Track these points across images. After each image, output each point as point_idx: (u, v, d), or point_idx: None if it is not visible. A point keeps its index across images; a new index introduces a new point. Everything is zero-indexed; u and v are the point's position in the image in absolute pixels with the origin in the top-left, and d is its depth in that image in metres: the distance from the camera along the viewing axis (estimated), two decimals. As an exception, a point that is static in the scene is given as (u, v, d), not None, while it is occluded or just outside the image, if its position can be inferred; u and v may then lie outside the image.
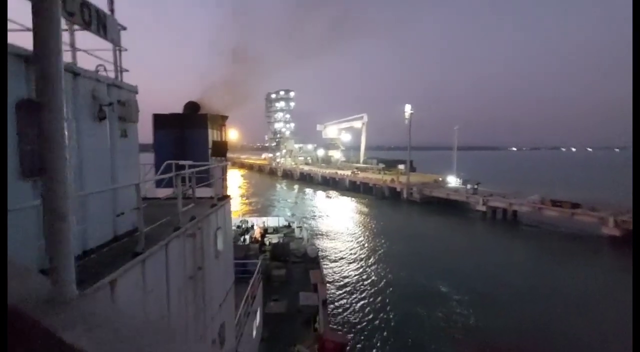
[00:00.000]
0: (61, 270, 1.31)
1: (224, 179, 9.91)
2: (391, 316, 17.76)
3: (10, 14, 3.60)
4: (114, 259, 3.90)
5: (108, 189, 4.25)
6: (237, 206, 49.50)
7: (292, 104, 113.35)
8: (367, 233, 35.33)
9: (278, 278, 17.29)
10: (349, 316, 17.86)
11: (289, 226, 28.52)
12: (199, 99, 16.01)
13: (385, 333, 16.17)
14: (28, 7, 1.30)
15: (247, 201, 56.80)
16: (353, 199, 57.48)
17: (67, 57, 4.66)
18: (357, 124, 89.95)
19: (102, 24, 5.25)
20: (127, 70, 5.86)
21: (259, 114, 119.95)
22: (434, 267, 24.63)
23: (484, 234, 36.65)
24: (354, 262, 26.32)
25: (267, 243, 23.13)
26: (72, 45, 4.72)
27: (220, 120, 13.62)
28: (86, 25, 4.84)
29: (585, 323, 17.04)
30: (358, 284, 22.05)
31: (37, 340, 1.28)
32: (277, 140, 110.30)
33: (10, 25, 3.53)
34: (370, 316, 17.78)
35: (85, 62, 4.85)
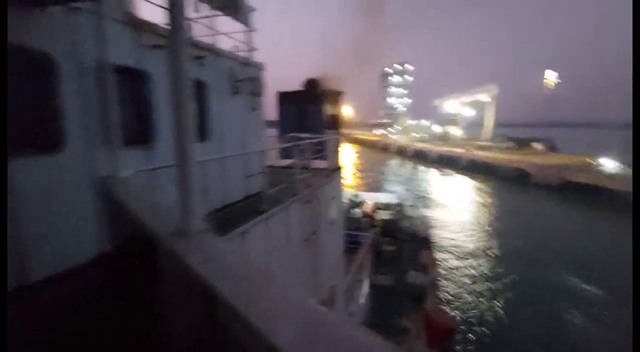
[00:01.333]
0: (187, 209, 1.52)
1: (337, 151, 10.23)
2: (501, 314, 15.69)
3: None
4: (245, 214, 4.51)
5: (242, 154, 4.90)
6: (349, 180, 50.86)
7: (409, 78, 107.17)
8: (483, 219, 30.95)
9: (388, 253, 17.31)
10: (456, 303, 16.60)
11: (400, 204, 27.88)
12: (319, 75, 16.68)
13: (492, 329, 14.51)
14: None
15: (359, 175, 57.76)
16: (471, 179, 50.81)
17: (209, 40, 5.42)
18: (484, 98, 77.00)
19: (235, 7, 5.86)
20: (256, 49, 6.46)
21: (374, 90, 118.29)
22: (568, 268, 20.21)
23: None
24: (466, 248, 23.74)
25: (378, 219, 23.24)
26: (213, 28, 5.41)
27: (336, 96, 13.97)
28: (222, 10, 5.49)
29: None
30: (469, 272, 19.98)
31: (168, 261, 1.59)
32: (392, 116, 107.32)
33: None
34: (483, 304, 16.11)
35: (223, 43, 5.56)
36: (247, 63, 5.87)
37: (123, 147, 3.44)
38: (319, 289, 6.78)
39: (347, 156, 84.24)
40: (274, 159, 9.82)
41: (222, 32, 5.78)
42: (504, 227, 28.30)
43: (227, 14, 5.67)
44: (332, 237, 7.84)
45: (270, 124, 13.19)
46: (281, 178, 6.18)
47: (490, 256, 22.71)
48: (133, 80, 3.96)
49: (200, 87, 4.65)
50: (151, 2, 4.16)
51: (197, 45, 4.61)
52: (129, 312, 2.31)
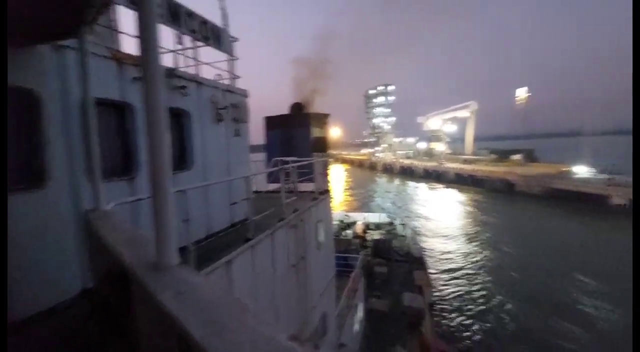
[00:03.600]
0: (162, 242, 1.50)
1: (325, 174, 10.24)
2: (505, 330, 15.53)
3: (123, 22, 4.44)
4: (230, 242, 4.39)
5: (224, 181, 4.84)
6: (338, 200, 51.04)
7: (391, 98, 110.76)
8: (475, 232, 31.58)
9: (380, 275, 17.04)
10: (454, 324, 16.31)
11: (391, 223, 27.84)
12: (304, 99, 17.02)
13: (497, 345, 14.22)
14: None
15: (348, 194, 58.13)
16: (459, 192, 52.65)
17: (193, 70, 5.48)
18: (464, 113, 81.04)
19: (218, 38, 5.99)
20: (239, 77, 6.56)
21: (359, 111, 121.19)
22: (559, 275, 20.74)
23: (626, 232, 26.78)
24: (461, 263, 23.90)
25: (369, 239, 23.06)
26: (196, 59, 5.50)
27: (323, 119, 14.19)
28: (205, 40, 5.60)
29: None
30: (468, 287, 19.85)
31: (141, 297, 1.55)
32: (376, 135, 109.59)
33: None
34: (479, 327, 15.86)
35: (206, 72, 5.63)
36: (230, 90, 5.93)
37: (106, 180, 3.41)
38: (308, 318, 6.56)
39: (336, 176, 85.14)
40: (263, 184, 9.76)
41: (205, 62, 5.87)
42: (495, 238, 28.92)
43: (209, 45, 5.78)
44: (321, 261, 7.69)
45: (259, 148, 13.22)
46: (268, 203, 6.11)
47: (484, 268, 22.94)
48: (116, 113, 3.96)
49: (182, 117, 4.66)
50: (130, 35, 4.22)
51: (179, 75, 4.65)
52: (108, 349, 2.20)
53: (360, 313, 12.24)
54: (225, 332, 1.01)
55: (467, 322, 16.35)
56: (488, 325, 16.09)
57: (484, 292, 19.45)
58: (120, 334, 2.05)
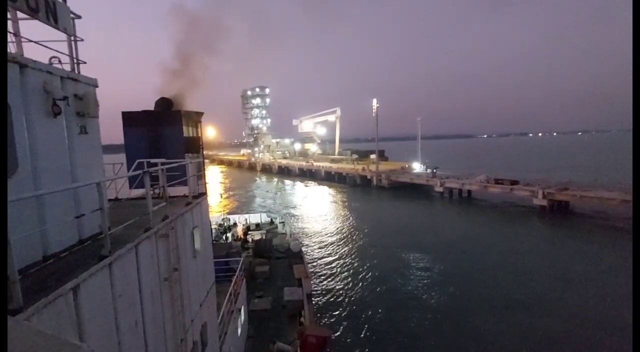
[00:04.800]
0: None
1: (200, 176, 9.59)
2: (369, 302, 18.60)
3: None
4: (78, 264, 3.62)
5: (65, 188, 3.90)
6: (218, 202, 49.44)
7: (268, 100, 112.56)
8: (342, 219, 38.51)
9: (262, 275, 17.09)
10: (331, 307, 18.10)
11: (271, 222, 28.23)
12: (172, 95, 15.45)
13: (365, 321, 16.62)
14: None
15: (228, 196, 57.13)
16: (329, 188, 61.89)
17: (11, 48, 4.26)
18: (331, 118, 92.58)
19: (52, 12, 4.82)
20: (84, 62, 5.45)
21: (236, 111, 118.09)
22: (402, 244, 28.15)
23: (442, 211, 42.79)
24: (332, 250, 27.75)
25: (250, 240, 22.80)
26: (17, 34, 4.29)
27: (196, 117, 13.16)
28: (32, 13, 4.42)
29: (506, 270, 22.49)
30: (338, 272, 22.99)
31: None
32: (254, 136, 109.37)
33: None
34: (352, 305, 18.28)
35: (39, 55, 4.44)
36: (71, 78, 4.85)
37: None
38: (187, 333, 6.03)
39: (214, 178, 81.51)
40: (125, 191, 8.37)
41: (32, 40, 4.63)
42: (357, 224, 35.84)
43: (38, 19, 4.58)
44: (198, 270, 7.17)
45: (117, 149, 11.21)
46: (131, 212, 5.29)
47: (351, 250, 27.70)
48: None
49: None
50: None
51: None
52: None
53: (243, 316, 12.00)
54: None
55: (340, 304, 18.28)
56: (356, 301, 18.68)
57: (352, 271, 22.86)
58: None
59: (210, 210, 10.42)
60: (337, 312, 17.47)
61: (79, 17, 5.45)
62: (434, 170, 53.53)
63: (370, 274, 22.21)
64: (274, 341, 10.53)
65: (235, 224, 26.39)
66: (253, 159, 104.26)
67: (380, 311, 17.39)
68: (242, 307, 12.14)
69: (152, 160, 7.29)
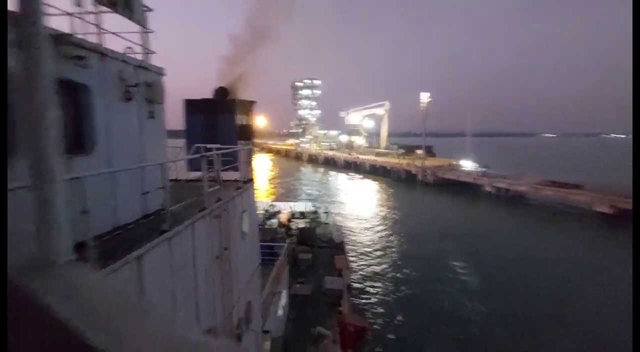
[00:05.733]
0: (48, 237, 1.25)
1: (249, 163, 9.99)
2: (407, 302, 18.09)
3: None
4: (142, 236, 3.99)
5: (134, 168, 4.32)
6: (264, 189, 51.34)
7: (317, 91, 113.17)
8: (384, 214, 37.62)
9: (304, 262, 17.51)
10: (369, 301, 18.00)
11: (315, 212, 28.67)
12: (229, 83, 16.15)
13: (404, 314, 16.33)
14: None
15: (274, 184, 58.92)
16: (373, 181, 60.84)
17: (94, 39, 4.73)
18: (379, 111, 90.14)
19: (128, 5, 5.26)
20: (153, 52, 5.89)
21: (285, 101, 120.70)
22: (446, 245, 26.59)
23: (490, 212, 39.81)
24: (373, 243, 27.36)
25: (294, 227, 23.42)
26: (98, 25, 4.75)
27: (248, 106, 13.71)
28: (112, 6, 4.87)
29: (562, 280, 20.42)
30: (377, 266, 22.60)
31: (21, 301, 1.27)
32: (302, 126, 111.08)
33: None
34: (389, 302, 17.97)
35: (115, 45, 4.91)
36: (143, 67, 5.29)
37: None
38: (232, 308, 6.42)
39: (262, 166, 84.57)
40: (183, 172, 9.05)
41: (111, 31, 5.11)
42: (400, 218, 35.08)
43: (116, 11, 5.04)
44: (245, 251, 7.55)
45: (178, 134, 12.12)
46: (188, 193, 5.70)
47: (392, 246, 27.04)
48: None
49: (79, 91, 3.98)
50: None
51: (75, 43, 3.95)
52: None
53: (284, 299, 12.44)
54: (129, 338, 0.91)
55: (378, 299, 18.13)
56: (394, 297, 18.40)
57: (392, 268, 22.35)
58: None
59: (256, 196, 10.84)
60: (373, 306, 17.38)
61: (150, 10, 5.89)
62: (485, 170, 50.50)
63: (410, 272, 21.55)
64: (315, 326, 10.80)
65: (279, 211, 27.27)
66: (299, 149, 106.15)
67: (417, 312, 16.92)
68: (284, 290, 12.58)
69: (208, 146, 7.73)
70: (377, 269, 22.21)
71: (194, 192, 5.58)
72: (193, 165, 8.53)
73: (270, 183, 59.49)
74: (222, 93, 15.07)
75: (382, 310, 16.99)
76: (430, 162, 61.73)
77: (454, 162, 63.07)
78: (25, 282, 1.18)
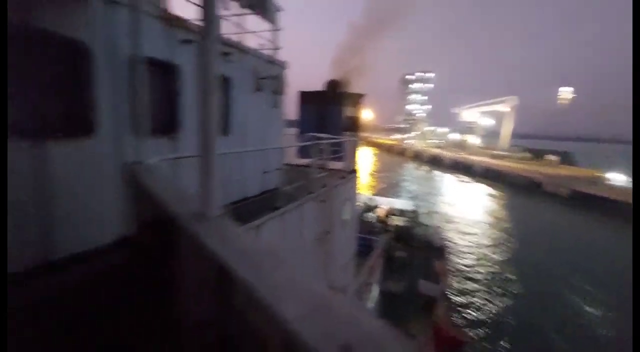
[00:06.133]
0: (207, 195, 1.72)
1: (353, 154, 10.23)
2: (516, 325, 15.49)
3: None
4: (261, 209, 4.58)
5: (261, 149, 5.04)
6: (365, 182, 51.34)
7: (429, 85, 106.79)
8: (495, 225, 31.85)
9: (399, 260, 17.10)
10: (466, 314, 16.34)
11: (414, 211, 27.52)
12: (342, 75, 16.75)
13: (507, 341, 14.20)
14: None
15: (375, 178, 58.27)
16: (484, 186, 52.58)
17: (235, 38, 5.55)
18: (503, 108, 77.53)
19: (263, 6, 5.98)
20: (280, 48, 6.56)
21: (394, 94, 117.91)
22: (580, 279, 20.69)
23: None
24: (477, 255, 24.02)
25: (392, 224, 23.02)
26: (240, 25, 5.54)
27: (357, 99, 14.00)
28: (251, 8, 5.62)
29: None
30: (479, 281, 19.89)
31: (186, 241, 1.70)
32: (410, 122, 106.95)
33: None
34: (493, 319, 15.80)
35: (249, 41, 5.68)
36: (270, 61, 5.97)
37: (150, 136, 3.56)
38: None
39: (364, 159, 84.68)
40: (292, 157, 9.94)
41: (249, 30, 5.91)
42: (514, 234, 28.94)
43: (255, 13, 5.79)
44: (344, 238, 7.84)
45: (290, 123, 13.34)
46: (298, 176, 6.24)
47: (500, 262, 22.92)
48: (162, 73, 4.10)
49: (224, 83, 4.77)
50: (184, -1, 4.30)
51: (224, 42, 4.74)
52: (147, 290, 2.41)
53: (375, 292, 12.47)
54: (269, 277, 1.09)
55: (478, 312, 16.32)
56: (496, 317, 16.12)
57: (496, 288, 19.34)
58: (160, 279, 2.25)
59: (357, 187, 11.04)
60: (471, 322, 15.77)
61: (281, 9, 6.54)
62: None
63: (520, 302, 17.99)
64: (407, 325, 10.53)
65: (377, 206, 27.11)
66: (404, 145, 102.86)
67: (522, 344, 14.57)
68: (376, 284, 12.60)
69: (318, 135, 8.25)
70: (479, 284, 19.82)
71: (303, 176, 6.08)
72: (302, 152, 9.26)
73: (372, 177, 59.16)
74: (333, 85, 15.76)
75: (480, 330, 15.33)
76: (565, 171, 51.71)
77: (598, 174, 50.71)
78: (191, 227, 1.58)
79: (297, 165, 8.87)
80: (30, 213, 2.85)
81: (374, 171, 67.01)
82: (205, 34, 1.64)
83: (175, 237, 1.83)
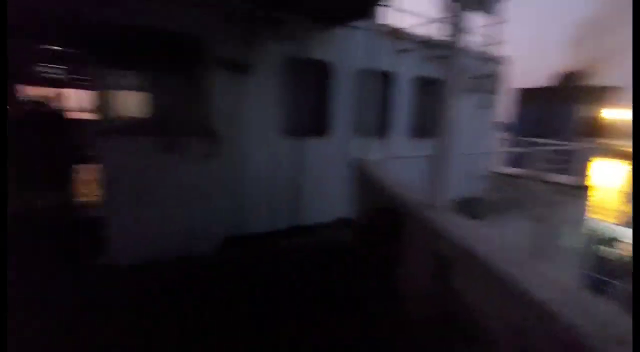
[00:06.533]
0: (435, 188, 2.11)
1: (586, 166, 7.94)
2: None
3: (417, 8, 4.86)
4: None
5: (466, 154, 4.85)
6: (599, 204, 38.79)
7: None
8: None
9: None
10: None
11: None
12: (581, 65, 13.28)
13: None
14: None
15: (623, 200, 42.61)
16: None
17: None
18: None
19: (485, 2, 5.50)
20: (502, 42, 5.87)
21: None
22: None
23: None
24: None
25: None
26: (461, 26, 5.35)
27: (598, 93, 10.68)
28: (469, 7, 5.29)
29: None
30: None
31: (416, 226, 2.09)
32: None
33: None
34: None
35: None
36: (484, 58, 5.47)
37: (372, 137, 4.34)
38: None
39: (603, 173, 63.24)
40: (499, 165, 8.80)
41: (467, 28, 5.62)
42: None
43: (473, 9, 5.43)
44: (562, 272, 6.27)
45: (505, 126, 11.66)
46: (504, 186, 5.52)
47: None
48: (382, 82, 4.65)
49: (437, 85, 4.81)
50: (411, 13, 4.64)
51: (442, 45, 4.73)
52: (372, 266, 2.89)
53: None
54: (514, 263, 1.32)
55: None
56: None
57: None
58: (383, 254, 2.64)
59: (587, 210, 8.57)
60: None
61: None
62: None
63: None
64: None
65: (618, 239, 19.77)
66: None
67: None
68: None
69: (536, 140, 6.92)
70: None
71: (512, 188, 5.30)
72: (514, 160, 7.99)
73: (617, 198, 43.69)
74: (564, 78, 12.58)
75: None
76: None
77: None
78: (422, 212, 1.92)
79: (505, 175, 7.79)
80: (285, 186, 4.05)
81: (618, 191, 49.08)
82: (451, 53, 2.16)
83: (403, 222, 2.21)
